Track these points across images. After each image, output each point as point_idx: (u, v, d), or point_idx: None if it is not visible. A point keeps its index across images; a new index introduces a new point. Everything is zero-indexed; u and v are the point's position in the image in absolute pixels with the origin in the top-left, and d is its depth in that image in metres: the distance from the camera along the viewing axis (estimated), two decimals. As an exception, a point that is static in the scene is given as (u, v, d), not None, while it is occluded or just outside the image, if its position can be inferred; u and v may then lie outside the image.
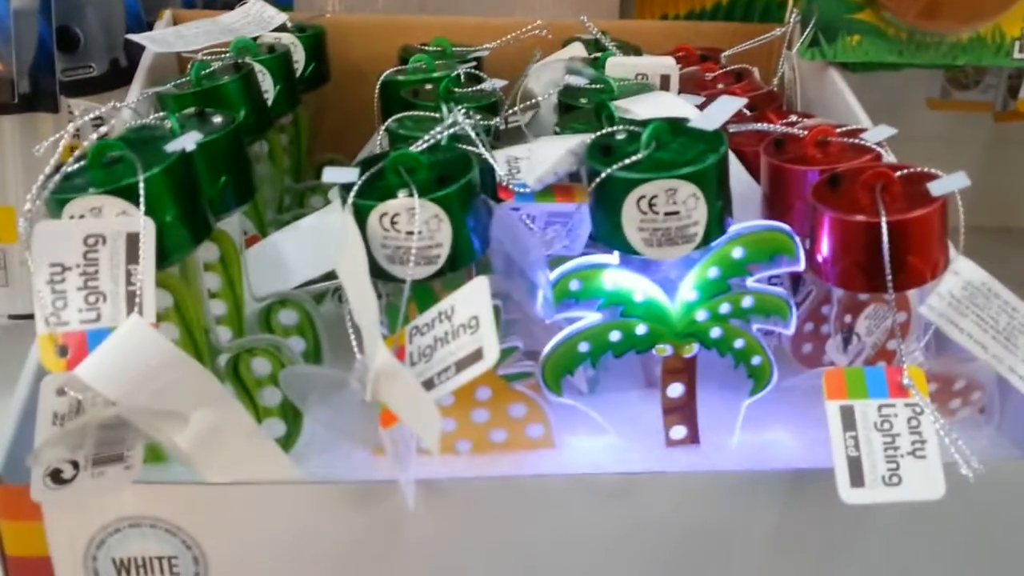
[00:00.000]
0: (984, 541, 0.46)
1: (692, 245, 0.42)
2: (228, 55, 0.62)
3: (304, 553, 0.43)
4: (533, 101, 0.59)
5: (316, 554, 0.43)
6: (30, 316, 0.69)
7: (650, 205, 0.41)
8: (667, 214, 0.41)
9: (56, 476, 0.39)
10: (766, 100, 0.65)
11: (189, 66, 0.58)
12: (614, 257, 0.45)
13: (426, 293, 0.44)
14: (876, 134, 0.51)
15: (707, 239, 0.42)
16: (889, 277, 0.44)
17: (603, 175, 0.42)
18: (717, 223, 0.42)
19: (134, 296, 0.39)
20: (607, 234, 0.43)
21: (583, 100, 0.60)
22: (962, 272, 0.45)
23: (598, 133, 0.45)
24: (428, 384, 0.39)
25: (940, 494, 0.42)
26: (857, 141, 0.51)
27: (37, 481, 0.39)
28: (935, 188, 0.44)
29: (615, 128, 0.45)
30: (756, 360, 0.48)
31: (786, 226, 0.45)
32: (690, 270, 0.45)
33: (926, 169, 0.46)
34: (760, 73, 0.71)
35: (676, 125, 0.44)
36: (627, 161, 0.41)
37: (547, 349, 0.46)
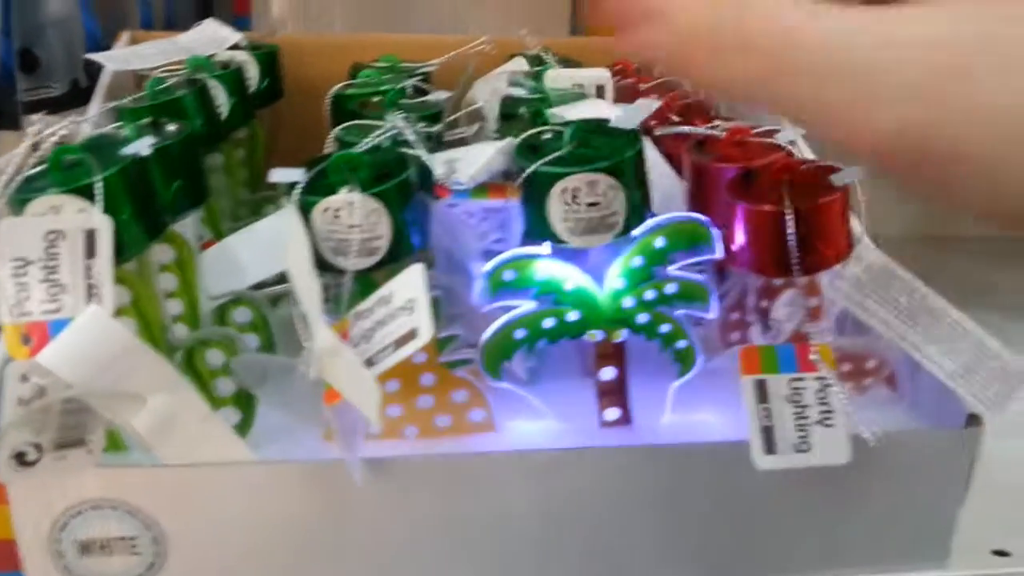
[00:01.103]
0: (887, 502, 0.49)
1: (613, 233, 0.46)
2: (184, 71, 0.65)
3: (259, 529, 0.46)
4: (474, 108, 0.62)
5: (271, 530, 0.46)
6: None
7: (573, 197, 0.44)
8: (589, 204, 0.44)
9: (20, 458, 0.41)
10: (697, 108, 0.69)
11: (145, 82, 0.61)
12: (546, 248, 0.48)
13: (368, 284, 0.47)
14: (789, 133, 0.55)
15: (627, 227, 0.46)
16: (796, 262, 0.47)
17: (530, 170, 0.45)
18: (636, 212, 0.46)
19: (93, 288, 0.42)
20: (536, 225, 0.46)
21: (522, 109, 0.64)
22: (864, 256, 0.49)
23: (525, 134, 0.48)
24: (369, 363, 0.42)
25: (846, 459, 0.46)
26: (771, 141, 0.55)
27: (2, 462, 0.41)
28: (836, 179, 0.48)
29: (541, 128, 0.48)
30: (681, 344, 0.52)
31: (703, 217, 0.49)
32: (616, 258, 0.49)
33: (829, 163, 0.50)
34: (693, 85, 0.75)
35: (598, 126, 0.48)
36: (550, 157, 0.45)
37: (485, 336, 0.49)
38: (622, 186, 0.44)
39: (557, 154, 0.45)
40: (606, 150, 0.45)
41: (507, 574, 0.48)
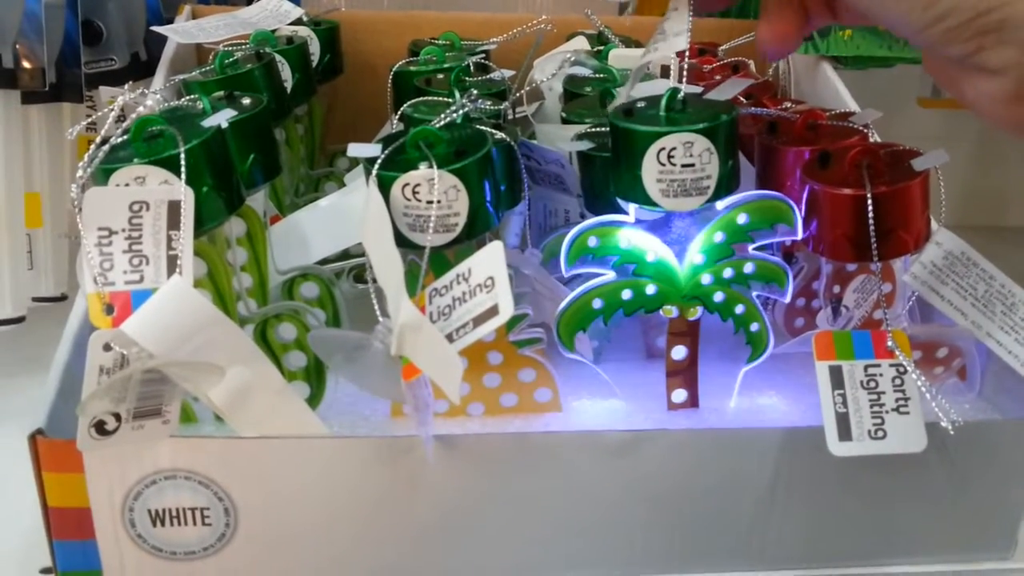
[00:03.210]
0: (955, 492, 0.49)
1: (705, 197, 0.45)
2: (248, 46, 0.65)
3: (329, 503, 0.46)
4: (536, 84, 0.62)
5: (340, 504, 0.46)
6: (54, 299, 0.72)
7: (669, 157, 0.44)
8: (684, 166, 0.44)
9: (100, 427, 0.42)
10: (762, 89, 0.68)
11: (212, 56, 0.61)
12: (630, 217, 0.48)
13: (441, 261, 0.47)
14: (863, 117, 0.54)
15: (718, 193, 0.46)
16: (875, 246, 0.47)
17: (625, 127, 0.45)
18: (727, 181, 0.45)
19: (174, 260, 0.42)
20: (626, 187, 0.46)
21: (587, 89, 0.63)
22: (943, 242, 0.48)
23: (622, 101, 0.48)
24: (448, 339, 0.42)
25: (922, 447, 0.45)
26: (845, 124, 0.54)
27: (83, 431, 0.41)
28: (917, 164, 0.47)
29: (636, 99, 0.48)
30: (755, 327, 0.51)
31: (785, 196, 0.48)
32: (698, 233, 0.48)
33: (909, 147, 0.49)
34: (755, 67, 0.74)
35: (691, 96, 0.48)
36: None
37: (562, 305, 0.49)
38: (716, 150, 0.44)
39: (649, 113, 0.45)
40: (701, 115, 0.45)
41: (573, 553, 0.48)
